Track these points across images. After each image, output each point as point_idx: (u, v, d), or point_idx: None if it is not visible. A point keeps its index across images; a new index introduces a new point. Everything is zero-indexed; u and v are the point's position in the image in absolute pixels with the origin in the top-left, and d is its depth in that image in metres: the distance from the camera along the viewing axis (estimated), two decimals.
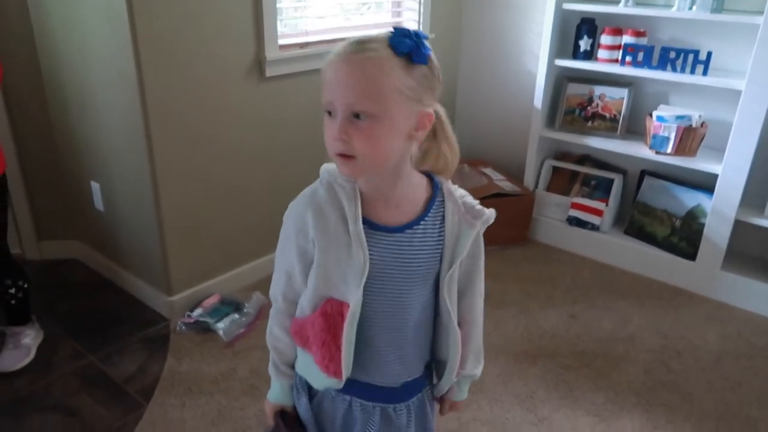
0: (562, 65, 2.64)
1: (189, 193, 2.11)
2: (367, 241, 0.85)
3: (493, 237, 0.94)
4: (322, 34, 2.43)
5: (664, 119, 2.39)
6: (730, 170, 2.26)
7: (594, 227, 2.68)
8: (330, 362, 0.89)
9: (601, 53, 2.55)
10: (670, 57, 2.36)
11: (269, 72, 2.20)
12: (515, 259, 2.67)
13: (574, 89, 2.71)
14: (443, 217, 0.89)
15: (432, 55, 0.81)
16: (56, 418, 1.72)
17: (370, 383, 0.95)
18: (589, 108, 2.70)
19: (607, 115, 2.66)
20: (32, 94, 2.28)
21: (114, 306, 2.25)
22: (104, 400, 1.79)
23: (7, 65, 2.06)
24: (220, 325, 2.07)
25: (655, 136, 2.43)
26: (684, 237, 2.49)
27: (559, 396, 1.87)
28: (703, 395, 1.90)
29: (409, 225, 0.87)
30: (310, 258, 0.89)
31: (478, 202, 0.93)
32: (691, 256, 2.45)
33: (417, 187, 0.90)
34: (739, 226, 2.32)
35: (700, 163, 2.37)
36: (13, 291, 1.90)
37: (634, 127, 2.64)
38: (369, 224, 0.86)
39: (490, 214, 0.91)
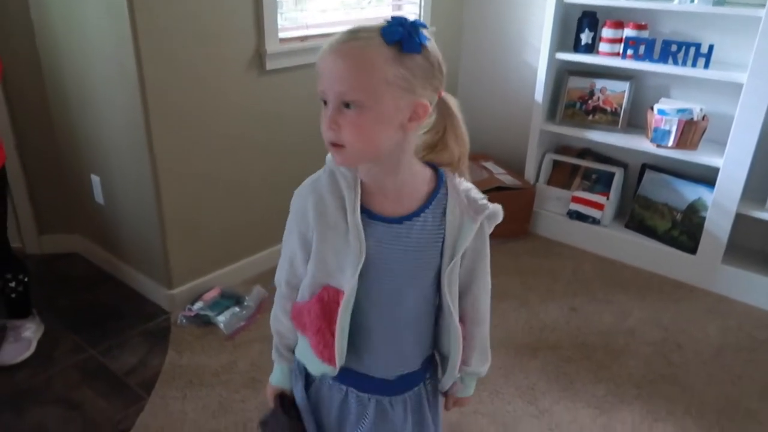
0: (563, 59, 2.64)
1: (189, 187, 2.10)
2: (365, 230, 0.85)
3: (493, 230, 0.93)
4: (322, 27, 2.43)
5: (666, 112, 2.39)
6: (732, 163, 2.26)
7: (595, 221, 2.68)
8: (324, 349, 0.90)
9: (603, 46, 2.55)
10: (672, 50, 2.35)
11: (269, 65, 2.20)
12: (516, 252, 2.67)
13: (575, 83, 2.71)
14: (445, 210, 0.88)
15: (429, 44, 0.79)
16: (57, 411, 1.72)
17: (365, 374, 0.95)
18: (590, 101, 2.69)
19: (608, 108, 2.66)
20: (32, 88, 2.27)
21: (114, 299, 2.26)
22: (105, 393, 1.79)
23: (8, 60, 2.06)
24: (221, 319, 2.07)
25: (656, 130, 2.42)
26: (685, 230, 2.49)
27: (559, 388, 1.87)
28: (703, 388, 1.90)
29: (409, 216, 0.87)
30: (311, 245, 0.90)
31: (484, 196, 0.91)
32: (692, 249, 2.44)
33: (419, 179, 0.89)
34: (740, 219, 2.32)
35: (701, 157, 2.36)
36: (13, 284, 1.90)
37: (635, 120, 2.63)
38: (368, 213, 0.86)
39: (495, 209, 0.90)
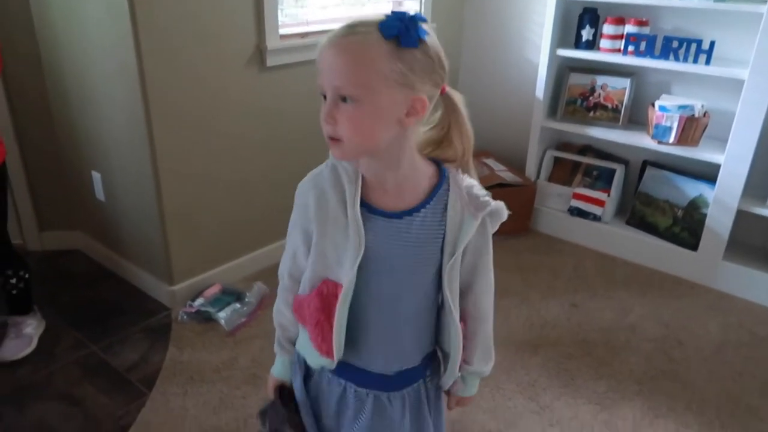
0: (564, 55, 2.63)
1: (190, 183, 2.10)
2: (365, 224, 0.85)
3: None
4: (322, 24, 2.43)
5: (667, 109, 2.38)
6: (733, 160, 2.25)
7: (596, 218, 2.68)
8: (323, 342, 0.90)
9: (604, 43, 2.54)
10: (673, 46, 2.35)
11: (270, 62, 2.19)
12: (517, 249, 2.67)
13: (576, 79, 2.70)
14: (446, 206, 0.88)
15: (428, 39, 0.79)
16: (59, 407, 1.72)
17: (364, 369, 0.95)
18: (591, 98, 2.69)
19: (609, 105, 2.65)
20: (33, 85, 2.27)
21: (115, 296, 2.26)
22: (106, 389, 1.80)
23: (8, 56, 2.06)
24: (222, 315, 2.07)
25: (657, 126, 2.42)
26: (686, 227, 2.49)
27: (560, 384, 1.87)
28: (704, 384, 1.90)
29: (409, 212, 0.87)
30: (312, 238, 0.90)
31: (487, 193, 0.90)
32: (693, 246, 2.44)
33: (421, 174, 0.88)
34: (741, 216, 2.32)
35: (703, 153, 2.36)
36: (14, 281, 1.90)
37: (636, 117, 2.63)
38: (368, 208, 0.86)
39: (497, 207, 0.89)
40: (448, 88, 0.86)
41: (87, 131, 2.24)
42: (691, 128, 2.35)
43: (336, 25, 0.81)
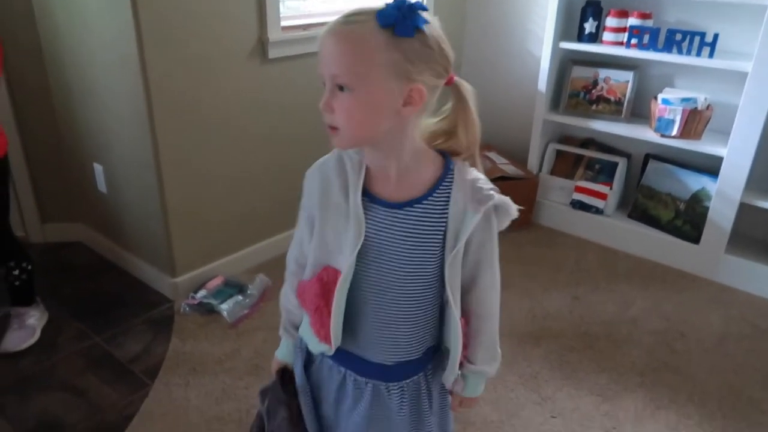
0: (567, 48, 2.62)
1: (192, 175, 2.10)
2: (366, 213, 0.85)
3: None
4: (324, 16, 2.42)
5: (670, 102, 2.38)
6: (736, 153, 2.25)
7: (598, 211, 2.68)
8: (321, 328, 0.91)
9: (607, 36, 2.53)
10: (676, 39, 2.34)
11: (272, 54, 2.19)
12: (519, 242, 2.67)
13: (579, 72, 2.70)
14: (449, 198, 0.87)
15: (427, 27, 0.77)
16: (63, 397, 1.73)
17: (363, 357, 0.95)
18: (593, 91, 2.68)
19: (612, 98, 2.65)
20: (34, 77, 2.27)
21: (118, 288, 2.26)
22: (110, 379, 1.80)
23: (9, 48, 2.05)
24: (224, 307, 2.08)
25: (660, 119, 2.41)
26: (688, 220, 2.49)
27: (562, 376, 1.88)
28: (705, 377, 1.90)
29: (410, 203, 0.86)
30: (316, 224, 0.91)
31: (492, 188, 0.88)
32: (695, 239, 2.44)
33: (425, 165, 0.87)
34: (743, 209, 2.32)
35: (705, 146, 2.35)
36: (17, 273, 1.90)
37: (638, 110, 2.62)
38: (370, 197, 0.86)
39: (502, 202, 0.87)
40: (457, 79, 0.85)
41: (89, 123, 2.23)
42: (694, 121, 2.35)
43: (338, 15, 0.80)
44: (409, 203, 0.86)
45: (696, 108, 2.34)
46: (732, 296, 2.33)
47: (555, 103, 2.78)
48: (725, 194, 2.31)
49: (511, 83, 2.98)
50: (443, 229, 0.87)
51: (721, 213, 2.33)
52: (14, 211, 2.07)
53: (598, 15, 2.56)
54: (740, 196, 2.27)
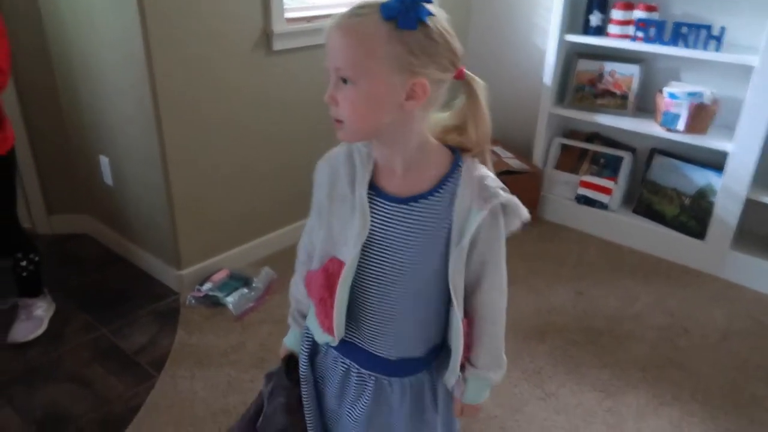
0: (573, 41, 2.61)
1: (198, 169, 2.11)
2: (372, 207, 0.86)
3: None
4: (329, 8, 2.41)
5: (676, 96, 2.36)
6: (741, 148, 2.24)
7: (602, 205, 2.67)
8: (325, 318, 0.92)
9: (612, 29, 2.52)
10: (682, 32, 2.32)
11: (276, 46, 2.18)
12: (523, 237, 2.62)
13: (584, 65, 2.68)
14: (455, 195, 0.85)
15: (432, 20, 0.76)
16: (69, 388, 1.75)
17: (366, 350, 0.95)
18: (599, 85, 2.67)
19: (618, 92, 2.63)
20: (40, 69, 2.27)
21: (124, 279, 2.28)
22: (116, 371, 1.82)
23: (15, 41, 2.05)
24: (230, 300, 2.09)
25: (666, 114, 2.40)
26: (693, 216, 2.48)
27: (565, 372, 1.88)
28: (709, 373, 1.90)
29: (415, 198, 0.85)
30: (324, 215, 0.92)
31: (500, 186, 0.86)
32: (701, 235, 2.43)
33: (432, 161, 0.87)
34: (750, 205, 2.30)
35: (711, 141, 2.34)
36: (24, 264, 1.92)
37: (644, 104, 2.61)
38: (376, 191, 0.87)
39: (509, 201, 0.85)
40: (468, 74, 0.84)
41: (94, 116, 2.24)
42: (700, 116, 2.33)
43: (342, 8, 0.80)
44: (415, 198, 0.86)
45: (702, 102, 2.33)
46: (737, 293, 2.32)
47: (560, 97, 2.76)
48: (731, 190, 2.30)
49: (516, 76, 2.97)
50: (448, 225, 0.86)
51: (727, 209, 2.32)
52: (21, 202, 2.08)
53: (604, 7, 2.55)
54: (746, 192, 2.26)
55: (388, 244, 0.87)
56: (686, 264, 2.48)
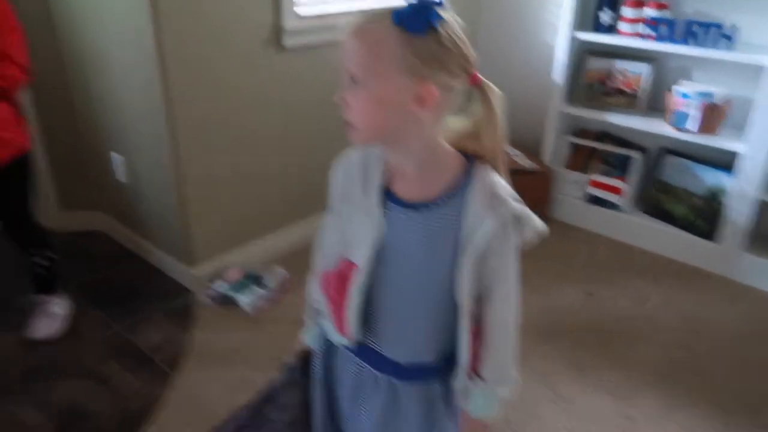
0: (583, 39, 2.60)
1: (210, 166, 2.13)
2: (384, 211, 0.87)
3: None
4: (341, 5, 2.41)
5: (687, 95, 2.36)
6: (753, 148, 2.23)
7: (612, 205, 2.67)
8: (337, 319, 0.93)
9: (623, 26, 2.50)
10: (694, 30, 2.31)
11: (288, 43, 2.19)
12: None
13: (594, 64, 2.67)
14: (466, 202, 0.84)
15: (443, 26, 0.76)
16: (87, 385, 1.78)
17: (379, 352, 0.95)
18: (609, 83, 2.66)
19: (628, 90, 2.63)
20: (52, 66, 2.28)
21: (137, 277, 2.30)
22: (132, 368, 1.85)
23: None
24: (243, 298, 2.11)
25: (676, 113, 2.40)
26: (704, 217, 2.47)
27: (575, 373, 1.89)
28: (721, 375, 1.90)
29: (425, 204, 0.85)
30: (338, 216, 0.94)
31: (512, 196, 0.85)
32: (712, 236, 2.42)
33: (445, 167, 0.86)
34: (764, 206, 2.29)
35: (722, 141, 2.33)
36: (42, 261, 1.94)
37: (654, 103, 2.60)
38: (388, 196, 0.88)
39: (521, 213, 0.84)
40: (483, 81, 0.84)
41: (107, 114, 2.26)
42: (711, 115, 2.32)
43: (354, 7, 0.81)
44: (425, 204, 0.85)
45: (714, 102, 2.32)
46: (749, 294, 2.31)
47: (570, 95, 2.75)
48: (742, 191, 2.29)
49: (525, 73, 2.95)
50: (458, 233, 0.85)
51: (738, 210, 2.31)
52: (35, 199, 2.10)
53: (614, 5, 2.53)
54: (757, 193, 2.25)
55: (399, 249, 0.88)
56: (697, 265, 2.47)
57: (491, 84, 0.85)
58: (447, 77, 0.79)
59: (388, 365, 0.95)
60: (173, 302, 2.16)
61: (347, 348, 0.98)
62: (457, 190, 0.85)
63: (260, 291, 2.15)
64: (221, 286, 2.16)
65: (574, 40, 2.61)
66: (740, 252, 2.35)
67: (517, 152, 2.84)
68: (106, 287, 2.23)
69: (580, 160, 2.81)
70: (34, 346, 1.91)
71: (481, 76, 0.84)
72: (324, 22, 2.30)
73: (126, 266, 2.37)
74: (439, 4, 0.77)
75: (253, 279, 2.20)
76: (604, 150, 2.76)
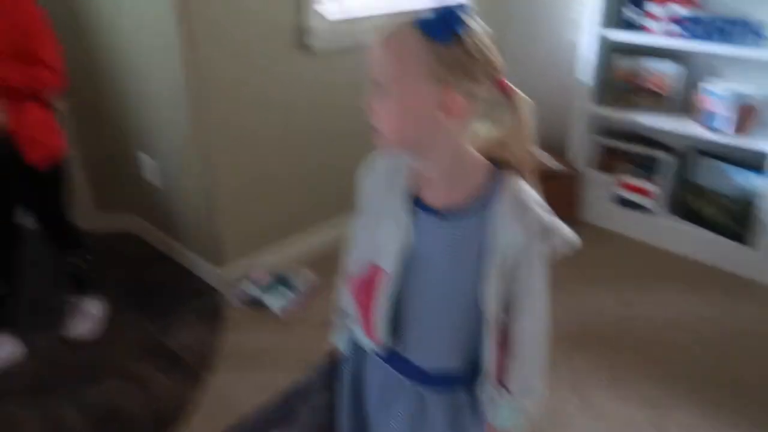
0: (609, 37, 2.55)
1: (240, 169, 2.16)
2: (412, 218, 0.87)
3: None
4: (368, 10, 2.42)
5: (718, 95, 2.30)
6: None
7: (643, 208, 2.61)
8: (365, 324, 0.94)
9: (650, 24, 2.45)
10: (724, 28, 2.25)
11: (315, 46, 2.21)
12: None
13: (621, 62, 2.63)
14: (493, 212, 0.83)
15: (467, 33, 0.76)
16: (120, 384, 1.82)
17: (406, 358, 0.96)
18: (637, 82, 2.61)
19: (656, 90, 2.58)
20: (84, 68, 2.31)
21: (168, 278, 2.34)
22: (164, 368, 1.88)
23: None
24: (273, 301, 2.14)
25: (708, 113, 2.34)
26: (739, 220, 2.39)
27: (605, 381, 1.85)
28: (759, 385, 1.84)
29: (452, 212, 0.85)
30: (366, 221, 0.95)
31: (540, 204, 0.84)
32: (747, 240, 2.35)
33: (473, 175, 0.85)
34: None
35: (756, 142, 2.26)
36: (78, 262, 2.00)
37: (684, 103, 2.53)
38: (416, 203, 0.88)
39: (550, 224, 0.83)
40: (511, 88, 0.83)
41: (139, 116, 2.31)
42: (744, 115, 2.26)
43: (381, 13, 0.82)
44: (452, 212, 0.85)
45: (747, 102, 2.25)
46: None
47: (597, 95, 2.70)
48: None
49: (550, 74, 2.89)
50: (483, 242, 0.84)
51: None
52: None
53: (641, 2, 2.49)
54: None
55: (425, 256, 0.88)
56: (733, 270, 2.38)
57: (519, 91, 0.84)
58: (472, 85, 0.78)
59: (415, 372, 0.96)
60: (205, 304, 2.19)
61: (375, 353, 0.99)
62: (485, 198, 0.84)
63: (289, 294, 2.17)
64: (251, 289, 2.19)
65: (600, 38, 2.56)
66: None
67: (542, 152, 2.81)
68: (138, 289, 2.28)
69: (608, 161, 2.77)
70: (71, 346, 1.96)
71: (509, 83, 0.83)
72: (352, 26, 2.31)
73: (158, 268, 2.42)
74: (464, 11, 0.77)
75: (281, 281, 2.23)
76: (633, 151, 2.71)
